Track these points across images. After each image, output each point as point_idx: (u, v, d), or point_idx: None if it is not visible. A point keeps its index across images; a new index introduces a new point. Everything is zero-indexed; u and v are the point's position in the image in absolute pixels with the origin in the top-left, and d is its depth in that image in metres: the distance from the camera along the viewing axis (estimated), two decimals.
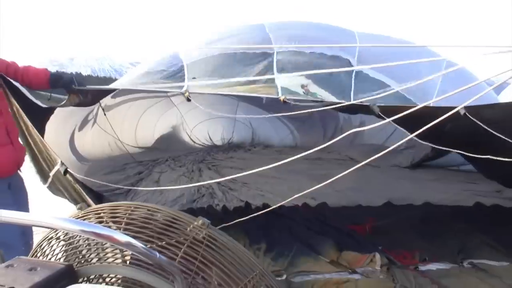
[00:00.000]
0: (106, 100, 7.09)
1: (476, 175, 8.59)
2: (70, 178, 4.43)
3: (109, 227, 1.80)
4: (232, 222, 4.08)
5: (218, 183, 8.90)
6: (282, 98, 4.62)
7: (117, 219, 1.82)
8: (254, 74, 5.07)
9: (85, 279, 1.80)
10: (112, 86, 5.45)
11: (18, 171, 4.37)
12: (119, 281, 1.83)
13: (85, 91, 4.70)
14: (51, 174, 4.53)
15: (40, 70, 4.53)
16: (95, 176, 5.41)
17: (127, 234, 1.64)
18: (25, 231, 4.21)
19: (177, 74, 5.32)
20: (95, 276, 1.84)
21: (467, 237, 6.03)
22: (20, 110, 4.29)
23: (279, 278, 5.02)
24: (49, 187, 4.83)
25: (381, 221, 6.61)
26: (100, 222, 1.84)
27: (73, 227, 1.55)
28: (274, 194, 8.00)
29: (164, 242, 1.74)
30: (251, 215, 4.12)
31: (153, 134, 11.82)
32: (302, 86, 4.96)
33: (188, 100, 4.70)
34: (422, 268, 5.32)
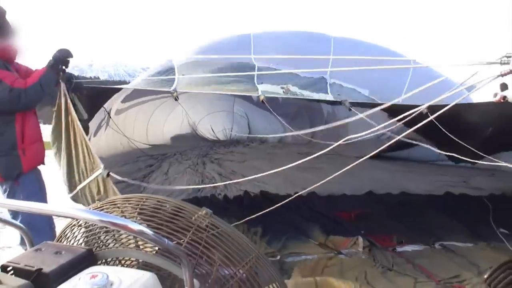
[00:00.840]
0: (117, 105, 7.09)
1: (446, 168, 8.65)
2: (110, 181, 4.49)
3: (124, 216, 1.83)
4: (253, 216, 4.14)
5: (220, 174, 8.92)
6: (261, 97, 4.67)
7: (130, 209, 1.86)
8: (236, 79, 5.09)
9: (103, 261, 1.82)
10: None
11: None
12: (133, 263, 1.86)
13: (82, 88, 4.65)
14: (80, 186, 4.57)
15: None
16: (111, 170, 5.42)
17: (139, 223, 1.67)
18: (51, 217, 4.25)
19: (167, 72, 5.37)
20: (112, 259, 1.86)
21: (438, 222, 6.12)
22: (76, 121, 4.33)
23: (273, 259, 5.06)
24: (73, 197, 4.84)
25: (364, 208, 6.67)
26: (116, 212, 1.87)
27: (94, 218, 1.58)
28: (269, 184, 7.99)
29: (171, 230, 1.78)
30: (268, 209, 4.05)
31: (162, 132, 11.80)
32: (282, 87, 4.97)
33: (176, 99, 4.71)
34: (399, 249, 5.40)
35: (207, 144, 13.34)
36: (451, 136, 4.52)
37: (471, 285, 4.19)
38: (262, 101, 4.67)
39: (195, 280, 1.71)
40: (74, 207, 1.92)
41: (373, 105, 4.80)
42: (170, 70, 5.58)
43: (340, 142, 3.42)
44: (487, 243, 5.43)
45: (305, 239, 5.67)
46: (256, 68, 5.44)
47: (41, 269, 1.63)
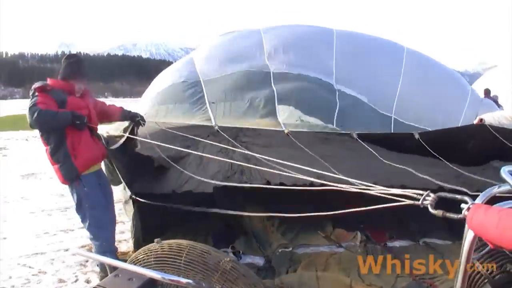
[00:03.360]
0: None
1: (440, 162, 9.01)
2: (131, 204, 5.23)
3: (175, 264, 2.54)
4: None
5: (247, 159, 9.32)
6: (286, 131, 5.09)
7: (177, 259, 2.56)
8: (260, 103, 5.65)
9: (160, 286, 2.53)
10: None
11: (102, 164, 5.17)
12: None
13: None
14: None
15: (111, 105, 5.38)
16: (151, 149, 5.97)
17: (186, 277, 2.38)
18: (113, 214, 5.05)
19: (196, 95, 5.92)
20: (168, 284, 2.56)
21: (426, 218, 6.44)
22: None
23: (287, 250, 5.79)
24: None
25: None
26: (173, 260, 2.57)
27: (157, 276, 2.31)
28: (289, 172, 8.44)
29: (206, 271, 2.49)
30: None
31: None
32: (296, 120, 5.44)
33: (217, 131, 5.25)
34: (390, 244, 6.05)
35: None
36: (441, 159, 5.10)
37: (441, 282, 4.81)
38: (287, 134, 5.10)
39: None
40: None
41: (378, 136, 5.40)
42: (194, 79, 6.20)
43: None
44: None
45: (313, 231, 6.34)
46: (272, 75, 5.97)
47: None
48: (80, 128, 4.53)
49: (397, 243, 6.11)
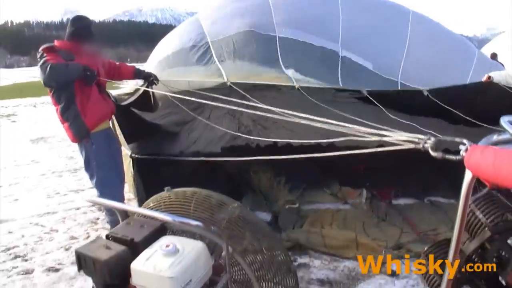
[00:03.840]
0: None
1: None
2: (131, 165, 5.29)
3: (185, 210, 2.63)
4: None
5: (254, 120, 9.34)
6: (297, 86, 5.04)
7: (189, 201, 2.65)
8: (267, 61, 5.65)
9: (170, 232, 2.62)
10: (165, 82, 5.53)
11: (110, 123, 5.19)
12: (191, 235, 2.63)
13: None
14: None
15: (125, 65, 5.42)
16: (158, 111, 6.07)
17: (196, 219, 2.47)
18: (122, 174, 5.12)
19: (206, 56, 5.85)
20: (178, 230, 2.66)
21: (431, 177, 6.52)
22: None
23: (293, 206, 5.90)
24: None
25: (372, 162, 7.15)
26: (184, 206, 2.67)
27: (169, 219, 2.41)
28: (295, 132, 8.52)
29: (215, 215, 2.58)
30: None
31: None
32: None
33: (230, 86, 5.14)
34: (394, 202, 6.13)
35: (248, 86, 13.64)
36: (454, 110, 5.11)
37: (444, 237, 4.89)
38: (298, 89, 5.06)
39: (229, 247, 2.52)
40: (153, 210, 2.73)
41: (387, 92, 5.41)
42: (202, 41, 6.09)
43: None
44: None
45: (320, 188, 6.43)
46: (278, 40, 5.97)
47: (133, 238, 2.45)
48: (90, 81, 4.58)
49: (401, 201, 6.19)
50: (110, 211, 4.84)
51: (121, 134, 5.33)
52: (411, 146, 2.11)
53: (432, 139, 1.98)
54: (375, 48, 6.16)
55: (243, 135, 6.75)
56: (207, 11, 7.33)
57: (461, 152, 1.76)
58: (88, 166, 4.80)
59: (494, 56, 14.15)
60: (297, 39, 6.01)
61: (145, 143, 6.04)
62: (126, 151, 5.35)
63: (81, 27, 4.77)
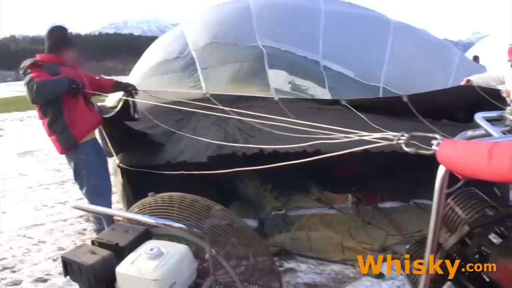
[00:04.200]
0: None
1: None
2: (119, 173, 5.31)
3: (168, 213, 2.67)
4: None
5: (240, 130, 9.36)
6: (276, 98, 5.08)
7: (175, 208, 2.69)
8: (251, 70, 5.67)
9: (155, 237, 2.65)
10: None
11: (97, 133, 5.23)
12: (175, 239, 2.68)
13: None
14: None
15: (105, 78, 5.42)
16: (144, 122, 6.03)
17: (178, 221, 2.52)
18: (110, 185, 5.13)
19: (189, 66, 5.84)
20: (162, 235, 2.68)
21: (417, 180, 6.22)
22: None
23: (280, 212, 5.91)
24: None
25: (359, 166, 7.21)
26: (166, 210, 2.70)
27: (151, 221, 2.45)
28: (281, 140, 8.57)
29: (199, 219, 2.63)
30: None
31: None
32: (289, 82, 5.52)
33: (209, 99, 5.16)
34: (380, 205, 6.21)
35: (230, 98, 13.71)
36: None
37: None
38: (276, 101, 5.07)
39: (212, 249, 2.56)
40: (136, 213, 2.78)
41: (366, 100, 5.45)
42: (186, 51, 6.09)
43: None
44: None
45: (306, 194, 6.51)
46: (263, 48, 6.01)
47: (118, 243, 2.49)
48: (76, 94, 4.60)
49: (388, 204, 6.29)
50: (98, 220, 4.85)
51: (110, 144, 5.34)
52: (386, 142, 2.15)
53: (406, 135, 2.03)
54: (356, 57, 6.24)
55: (229, 143, 6.72)
56: (190, 21, 7.39)
57: (433, 147, 1.80)
58: (77, 175, 4.80)
59: (475, 59, 14.39)
60: (280, 48, 6.06)
61: (133, 152, 6.07)
62: (115, 160, 5.36)
63: (57, 37, 4.78)
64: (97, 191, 4.78)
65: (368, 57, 6.31)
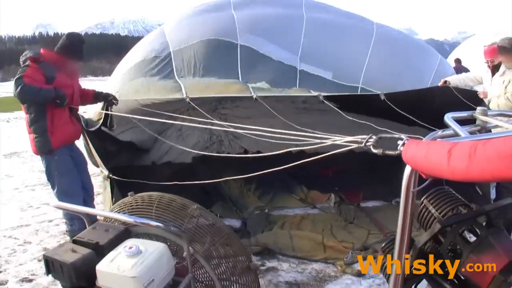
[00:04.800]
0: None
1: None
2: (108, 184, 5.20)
3: (147, 213, 2.74)
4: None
5: (225, 131, 9.38)
6: (254, 96, 5.10)
7: (150, 207, 2.76)
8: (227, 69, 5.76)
9: (135, 236, 2.72)
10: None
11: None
12: (154, 237, 2.74)
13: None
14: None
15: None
16: (127, 125, 6.14)
17: (156, 219, 2.59)
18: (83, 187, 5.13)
19: (167, 68, 5.94)
20: (141, 233, 2.75)
21: (398, 180, 6.65)
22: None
23: (263, 212, 6.05)
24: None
25: (342, 165, 7.14)
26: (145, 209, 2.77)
27: (130, 220, 2.52)
28: (260, 145, 8.55)
29: (177, 217, 2.70)
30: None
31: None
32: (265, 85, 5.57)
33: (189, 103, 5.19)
34: (363, 204, 6.30)
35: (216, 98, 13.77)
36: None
37: (415, 235, 5.03)
38: (256, 99, 5.10)
39: (190, 248, 2.63)
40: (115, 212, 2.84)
41: (344, 97, 5.53)
42: (164, 52, 6.15)
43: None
44: None
45: (289, 194, 6.58)
46: (239, 47, 6.10)
47: (98, 242, 2.56)
48: (58, 106, 4.62)
49: (370, 203, 6.38)
50: (70, 220, 4.89)
51: (98, 157, 5.35)
52: (355, 145, 2.22)
53: (374, 137, 2.10)
54: (335, 58, 6.32)
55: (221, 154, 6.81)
56: (172, 21, 7.44)
57: (399, 147, 1.88)
58: (49, 175, 4.85)
59: (458, 61, 14.54)
60: (257, 50, 6.11)
61: (118, 154, 6.12)
62: (104, 172, 5.37)
63: (72, 42, 4.82)
64: (67, 191, 4.81)
65: (348, 56, 6.45)
